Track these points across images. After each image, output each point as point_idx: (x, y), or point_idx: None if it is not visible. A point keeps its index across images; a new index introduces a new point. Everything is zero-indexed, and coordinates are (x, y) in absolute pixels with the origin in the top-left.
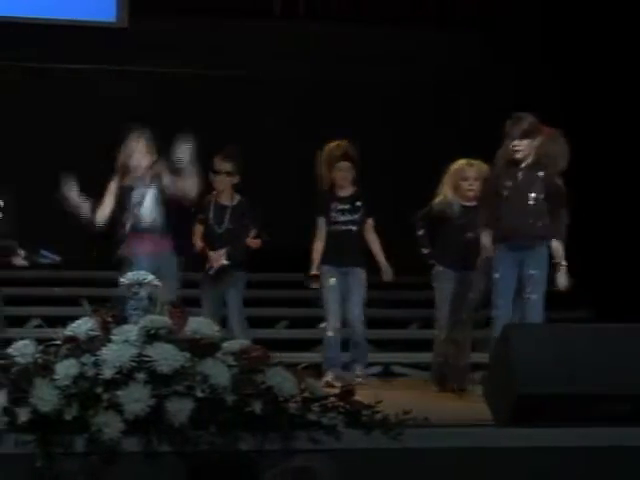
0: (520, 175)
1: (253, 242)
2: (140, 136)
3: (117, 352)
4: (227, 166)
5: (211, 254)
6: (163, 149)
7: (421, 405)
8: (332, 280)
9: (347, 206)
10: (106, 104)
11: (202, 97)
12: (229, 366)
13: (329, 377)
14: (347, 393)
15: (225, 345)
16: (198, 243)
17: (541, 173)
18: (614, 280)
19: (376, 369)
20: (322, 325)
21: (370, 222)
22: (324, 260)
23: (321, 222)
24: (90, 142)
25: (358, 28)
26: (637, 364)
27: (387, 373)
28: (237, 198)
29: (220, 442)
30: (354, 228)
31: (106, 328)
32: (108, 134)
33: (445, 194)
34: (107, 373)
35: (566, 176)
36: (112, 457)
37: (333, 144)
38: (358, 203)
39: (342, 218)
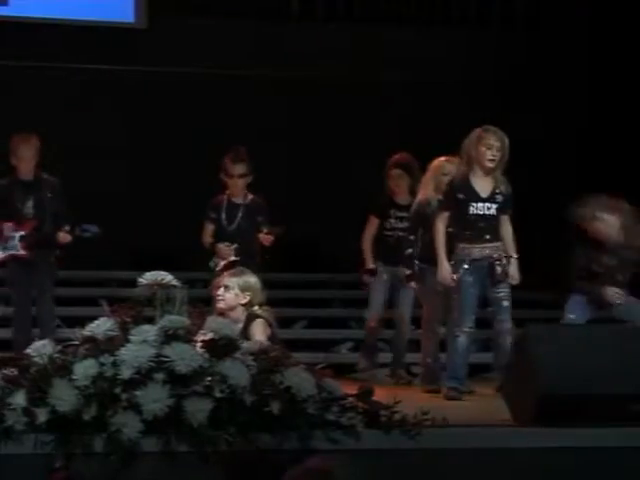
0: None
1: (265, 238)
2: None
3: (135, 352)
4: (240, 168)
5: (220, 246)
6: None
7: (436, 405)
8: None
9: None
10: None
11: (218, 96)
12: (248, 366)
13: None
14: (366, 393)
15: (244, 345)
16: (208, 240)
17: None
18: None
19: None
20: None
21: None
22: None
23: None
24: (108, 142)
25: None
26: None
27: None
28: (250, 197)
29: (239, 442)
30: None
31: (124, 328)
32: (123, 133)
33: (424, 191)
34: (126, 373)
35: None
36: (131, 457)
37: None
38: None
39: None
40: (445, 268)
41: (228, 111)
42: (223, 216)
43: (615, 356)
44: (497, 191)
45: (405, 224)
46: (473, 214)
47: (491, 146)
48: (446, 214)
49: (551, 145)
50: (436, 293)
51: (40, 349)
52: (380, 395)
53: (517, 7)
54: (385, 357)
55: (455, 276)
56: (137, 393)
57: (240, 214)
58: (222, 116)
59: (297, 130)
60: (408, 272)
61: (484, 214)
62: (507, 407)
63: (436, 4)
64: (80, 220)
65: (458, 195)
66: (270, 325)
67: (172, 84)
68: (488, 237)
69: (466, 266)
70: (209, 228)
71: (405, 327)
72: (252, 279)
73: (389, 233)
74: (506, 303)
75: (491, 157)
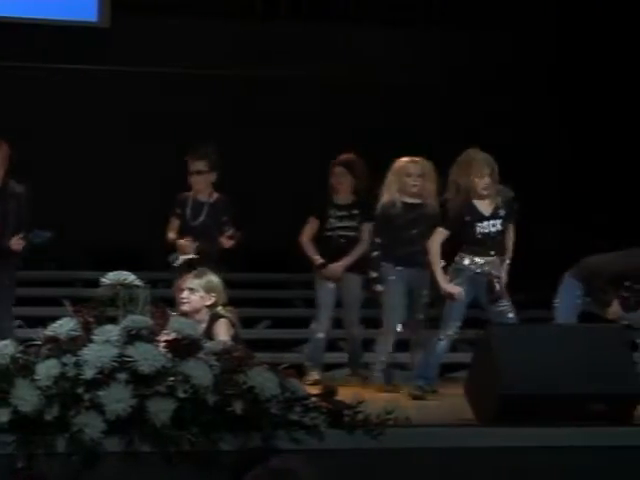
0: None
1: (227, 241)
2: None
3: (98, 352)
4: (199, 165)
5: (181, 242)
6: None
7: (400, 405)
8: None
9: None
10: (87, 103)
11: (187, 96)
12: (211, 366)
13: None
14: (329, 393)
15: (207, 345)
16: (171, 236)
17: None
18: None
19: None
20: None
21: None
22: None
23: None
24: (72, 142)
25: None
26: (614, 364)
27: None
28: (215, 195)
29: (201, 442)
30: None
31: (87, 328)
32: (89, 133)
33: (389, 193)
34: (88, 373)
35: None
36: (93, 457)
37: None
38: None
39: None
40: (445, 281)
41: (192, 110)
42: (188, 212)
43: (576, 356)
44: (499, 205)
45: (345, 223)
46: (480, 233)
47: (483, 175)
48: (446, 233)
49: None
50: (397, 293)
51: (2, 349)
52: (344, 395)
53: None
54: (341, 357)
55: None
56: (100, 393)
57: (205, 211)
58: (186, 115)
59: (261, 129)
60: (374, 275)
61: (489, 232)
62: (470, 407)
63: (398, 4)
64: (44, 221)
65: (465, 218)
66: (233, 325)
67: (139, 83)
68: (493, 252)
69: (460, 279)
70: (174, 223)
71: (356, 329)
72: (215, 279)
73: (329, 233)
74: (511, 315)
75: (484, 186)
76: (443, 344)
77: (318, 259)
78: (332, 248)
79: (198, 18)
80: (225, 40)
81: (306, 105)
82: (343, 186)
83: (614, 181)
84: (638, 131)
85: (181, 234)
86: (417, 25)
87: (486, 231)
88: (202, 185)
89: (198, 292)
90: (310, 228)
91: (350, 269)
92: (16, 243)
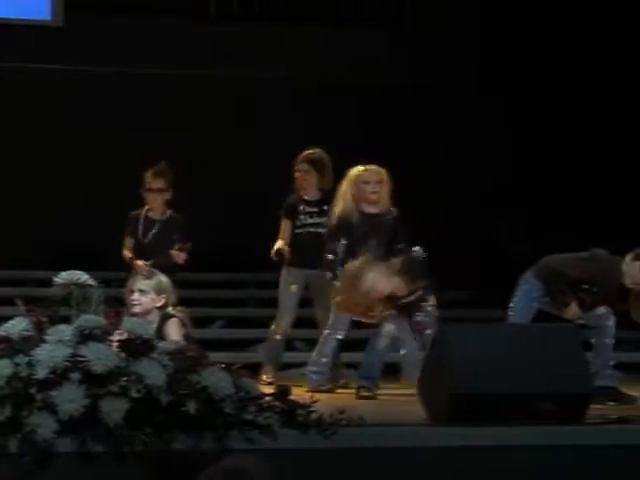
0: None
1: (177, 255)
2: None
3: (51, 352)
4: (159, 183)
5: (136, 263)
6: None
7: (354, 405)
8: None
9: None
10: (36, 102)
11: (134, 96)
12: (164, 366)
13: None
14: (283, 393)
15: (160, 345)
16: (127, 254)
17: None
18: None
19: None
20: None
21: None
22: None
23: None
24: (23, 142)
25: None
26: (566, 363)
27: None
28: (168, 213)
29: (155, 442)
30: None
31: (40, 328)
32: (42, 132)
33: (344, 202)
34: (41, 373)
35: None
36: (46, 458)
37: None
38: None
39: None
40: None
41: (145, 109)
42: (140, 229)
43: (527, 355)
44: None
45: (316, 220)
46: None
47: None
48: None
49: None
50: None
51: None
52: (298, 395)
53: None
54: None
55: None
56: (52, 393)
57: (155, 229)
58: (139, 114)
59: (214, 129)
60: (330, 275)
61: None
62: (423, 406)
63: (351, 3)
64: None
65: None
66: (184, 325)
67: (90, 83)
68: None
69: None
70: (129, 242)
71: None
72: (165, 280)
73: (299, 231)
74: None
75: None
76: (384, 343)
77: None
78: (304, 245)
79: (150, 17)
80: (178, 39)
81: (262, 106)
82: (308, 182)
83: (569, 179)
84: (586, 125)
85: (135, 253)
86: (367, 24)
87: None
88: (158, 203)
89: (149, 294)
90: (285, 231)
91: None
92: None
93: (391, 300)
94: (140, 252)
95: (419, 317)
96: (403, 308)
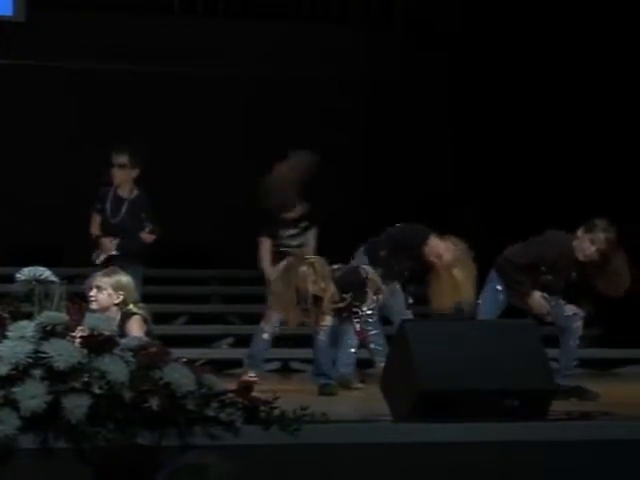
0: None
1: (147, 236)
2: None
3: (13, 348)
4: (121, 159)
5: (103, 241)
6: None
7: (319, 400)
8: None
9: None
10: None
11: (101, 92)
12: (127, 362)
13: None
14: (245, 389)
15: (123, 341)
16: (94, 232)
17: None
18: None
19: (274, 365)
20: None
21: None
22: None
23: None
24: None
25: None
26: (528, 360)
27: (285, 369)
28: (135, 192)
29: (117, 438)
30: None
31: (2, 324)
32: (4, 128)
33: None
34: (3, 369)
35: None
36: (7, 454)
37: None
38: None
39: None
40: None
41: (107, 106)
42: (108, 208)
43: (490, 352)
44: None
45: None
46: None
47: None
48: None
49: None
50: None
51: None
52: (262, 391)
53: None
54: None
55: None
56: (14, 389)
57: (124, 208)
58: (98, 111)
59: (173, 125)
60: None
61: None
62: (386, 403)
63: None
64: None
65: None
66: (146, 322)
67: (51, 79)
68: None
69: None
70: (96, 219)
71: None
72: (124, 278)
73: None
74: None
75: None
76: (321, 338)
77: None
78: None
79: (113, 13)
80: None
81: (217, 102)
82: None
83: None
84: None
85: (102, 230)
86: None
87: None
88: (122, 178)
89: (106, 290)
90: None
91: None
92: None
93: (318, 301)
94: (107, 230)
95: (357, 325)
96: (336, 311)
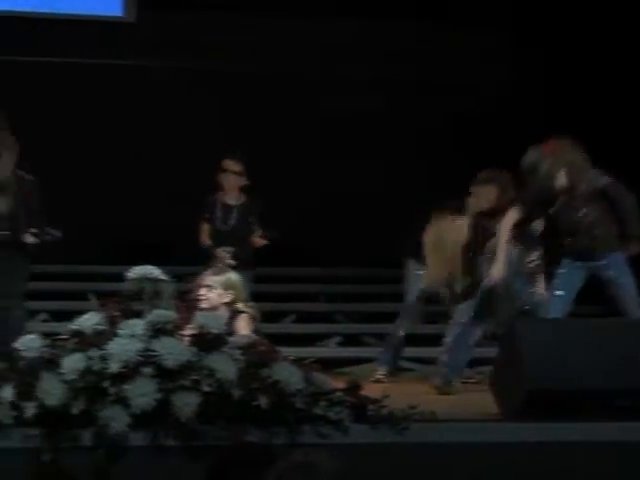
0: None
1: (259, 241)
2: None
3: (124, 346)
4: (237, 166)
5: (219, 252)
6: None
7: (428, 399)
8: None
9: None
10: (113, 99)
11: (209, 92)
12: (235, 360)
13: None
14: (354, 388)
15: (232, 339)
16: (205, 241)
17: None
18: None
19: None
20: None
21: None
22: None
23: None
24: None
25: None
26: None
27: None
28: (243, 198)
29: (227, 437)
30: None
31: (113, 322)
32: (115, 129)
33: None
34: (114, 367)
35: None
36: (118, 451)
37: None
38: None
39: None
40: None
41: (220, 106)
42: (217, 216)
43: (602, 351)
44: None
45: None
46: None
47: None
48: None
49: None
50: None
51: (28, 343)
52: (371, 390)
53: None
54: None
55: None
56: (125, 387)
57: (234, 215)
58: (212, 110)
59: (276, 127)
60: None
61: None
62: (495, 402)
63: None
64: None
65: None
66: (254, 320)
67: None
68: None
69: None
70: (205, 228)
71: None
72: (234, 277)
73: None
74: None
75: None
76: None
77: None
78: None
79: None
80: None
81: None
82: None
83: None
84: None
85: (213, 238)
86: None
87: None
88: (233, 184)
89: (216, 290)
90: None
91: None
92: (29, 238)
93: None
94: (218, 238)
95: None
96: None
